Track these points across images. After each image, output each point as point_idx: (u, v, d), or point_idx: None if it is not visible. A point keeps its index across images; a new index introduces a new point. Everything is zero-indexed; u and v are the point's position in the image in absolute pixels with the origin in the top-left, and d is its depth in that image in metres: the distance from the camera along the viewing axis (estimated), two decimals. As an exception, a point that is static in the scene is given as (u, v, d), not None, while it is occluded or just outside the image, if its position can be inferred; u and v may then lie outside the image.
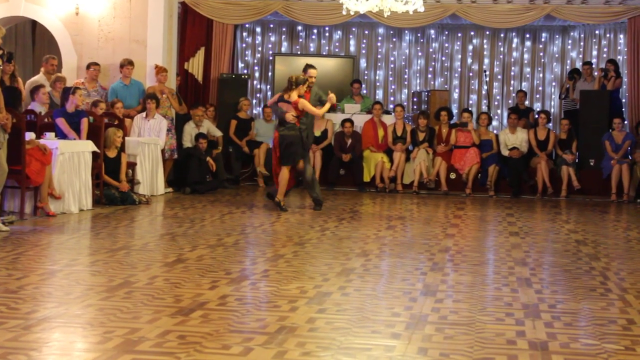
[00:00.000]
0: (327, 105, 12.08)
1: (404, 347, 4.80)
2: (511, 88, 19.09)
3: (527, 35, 19.04)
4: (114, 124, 12.34)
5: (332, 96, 12.07)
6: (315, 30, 19.14)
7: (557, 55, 19.02)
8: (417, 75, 19.30)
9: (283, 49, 19.19)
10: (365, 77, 19.14)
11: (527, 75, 19.13)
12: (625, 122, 16.34)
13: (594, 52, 18.57)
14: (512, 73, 19.17)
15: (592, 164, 15.61)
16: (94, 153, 11.33)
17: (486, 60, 19.10)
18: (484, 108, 18.34)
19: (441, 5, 16.96)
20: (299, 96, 11.67)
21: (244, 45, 19.24)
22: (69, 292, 5.97)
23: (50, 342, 4.73)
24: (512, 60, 19.14)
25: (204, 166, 14.26)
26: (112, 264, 7.15)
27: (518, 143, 15.52)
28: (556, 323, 5.46)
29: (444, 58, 19.23)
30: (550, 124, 16.93)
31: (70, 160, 10.81)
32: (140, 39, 14.35)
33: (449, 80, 19.20)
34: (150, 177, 13.21)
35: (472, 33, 19.10)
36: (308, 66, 12.48)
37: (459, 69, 19.22)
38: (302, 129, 11.74)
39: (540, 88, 19.15)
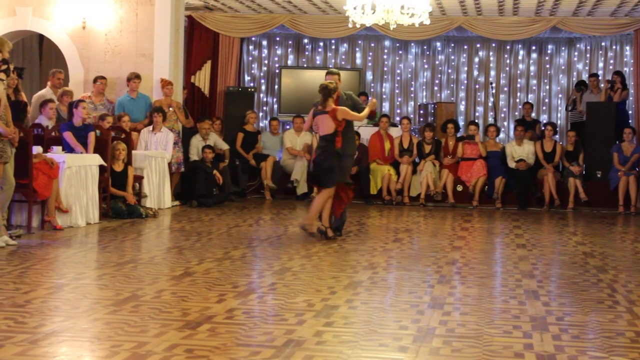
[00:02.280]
0: (368, 110, 10.30)
1: (411, 360, 4.80)
2: (517, 100, 19.11)
3: (533, 47, 19.06)
4: (121, 138, 12.36)
5: (374, 101, 10.61)
6: (321, 43, 19.19)
7: (563, 67, 19.03)
8: (424, 87, 19.33)
9: (289, 62, 19.24)
10: (372, 90, 19.16)
11: (534, 87, 19.15)
12: (633, 133, 16.33)
13: (600, 64, 18.59)
14: (519, 85, 19.19)
15: (599, 175, 15.59)
16: (100, 166, 11.35)
17: (492, 73, 19.13)
18: (491, 120, 18.34)
19: (447, 17, 16.98)
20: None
21: (250, 58, 19.30)
22: (76, 306, 5.97)
23: (57, 356, 4.73)
24: (519, 72, 19.17)
25: (211, 179, 14.26)
26: (119, 277, 7.15)
27: (525, 155, 15.51)
28: (564, 336, 5.45)
29: (450, 70, 19.26)
30: (557, 136, 16.92)
31: (77, 173, 10.83)
32: (147, 53, 14.39)
33: (455, 93, 19.22)
34: (157, 191, 13.22)
35: (478, 45, 19.13)
36: (327, 73, 10.67)
37: (465, 81, 19.24)
38: (342, 154, 10.09)
39: (546, 100, 19.16)
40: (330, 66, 18.92)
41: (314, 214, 10.15)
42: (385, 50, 19.33)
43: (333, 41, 19.08)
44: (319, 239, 9.95)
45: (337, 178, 10.04)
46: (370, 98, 10.76)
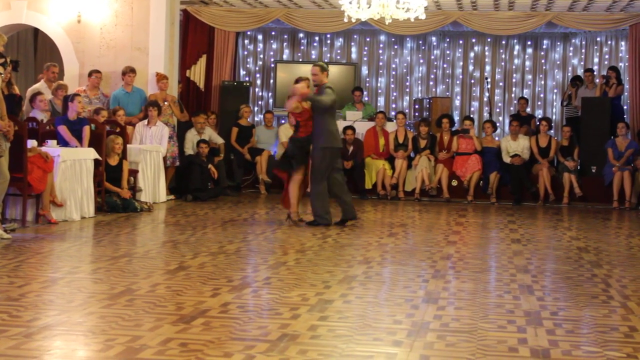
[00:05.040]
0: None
1: (405, 354, 4.80)
2: (513, 95, 19.10)
3: (529, 42, 19.06)
4: (116, 132, 12.35)
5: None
6: (316, 38, 19.17)
7: (558, 62, 19.03)
8: (419, 82, 19.32)
9: (285, 56, 19.22)
10: (367, 84, 19.16)
11: (529, 82, 19.15)
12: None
13: (596, 59, 18.60)
14: (514, 80, 19.19)
15: (593, 171, 15.61)
16: (95, 160, 11.33)
17: (487, 67, 19.12)
18: (486, 115, 18.35)
19: (442, 12, 16.98)
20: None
21: (245, 52, 19.27)
22: (71, 300, 5.96)
23: (51, 350, 4.73)
24: (514, 67, 19.16)
25: (206, 173, 14.25)
26: (113, 271, 7.15)
27: (520, 150, 15.52)
28: (558, 330, 5.46)
29: (445, 65, 19.25)
30: (552, 131, 16.94)
31: (72, 167, 10.82)
32: (142, 47, 14.37)
33: (451, 88, 19.21)
34: (152, 185, 13.21)
35: (474, 40, 19.12)
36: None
37: (461, 76, 19.24)
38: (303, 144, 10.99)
39: (541, 95, 19.17)
40: (326, 61, 18.92)
41: (293, 203, 10.88)
42: (381, 45, 19.31)
43: (328, 36, 19.07)
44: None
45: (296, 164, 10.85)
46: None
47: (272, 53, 19.31)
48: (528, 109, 17.89)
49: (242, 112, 16.30)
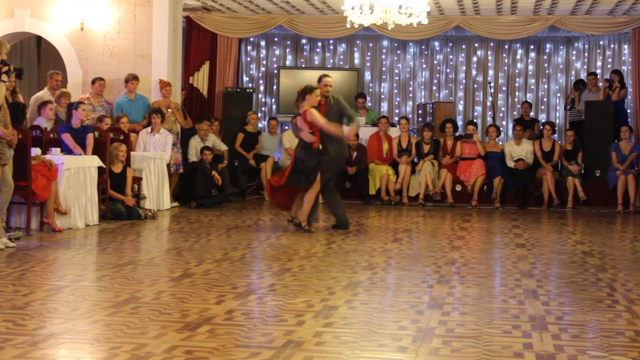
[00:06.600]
0: (342, 129, 10.92)
1: (411, 360, 4.80)
2: (516, 99, 19.12)
3: (532, 47, 19.07)
4: (120, 139, 12.36)
5: (357, 125, 11.76)
6: (319, 43, 19.19)
7: (561, 66, 19.04)
8: (422, 87, 19.33)
9: (287, 62, 19.24)
10: (370, 90, 19.17)
11: (532, 87, 19.16)
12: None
13: (599, 63, 18.60)
14: (517, 84, 19.20)
15: (597, 174, 15.60)
16: (99, 168, 11.34)
17: (491, 72, 19.13)
18: (489, 120, 18.35)
19: (445, 17, 16.99)
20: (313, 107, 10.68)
21: (248, 58, 19.30)
22: (76, 308, 5.96)
23: (57, 358, 4.73)
24: (517, 71, 19.17)
25: (210, 180, 14.25)
26: (118, 279, 7.15)
27: (523, 154, 15.51)
28: (563, 335, 5.45)
29: (448, 70, 19.26)
30: (556, 135, 16.93)
31: (76, 175, 10.83)
32: (145, 54, 14.38)
33: (454, 92, 19.22)
34: (156, 192, 13.21)
35: (477, 45, 19.14)
36: (322, 76, 11.32)
37: (464, 81, 19.25)
38: (322, 153, 10.63)
39: (545, 99, 19.17)
40: (329, 66, 18.94)
41: (306, 212, 10.81)
42: (384, 50, 19.33)
43: (331, 41, 19.09)
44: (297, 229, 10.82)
45: (315, 177, 10.73)
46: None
47: (275, 59, 19.34)
48: (531, 113, 17.89)
49: (249, 118, 16.29)
